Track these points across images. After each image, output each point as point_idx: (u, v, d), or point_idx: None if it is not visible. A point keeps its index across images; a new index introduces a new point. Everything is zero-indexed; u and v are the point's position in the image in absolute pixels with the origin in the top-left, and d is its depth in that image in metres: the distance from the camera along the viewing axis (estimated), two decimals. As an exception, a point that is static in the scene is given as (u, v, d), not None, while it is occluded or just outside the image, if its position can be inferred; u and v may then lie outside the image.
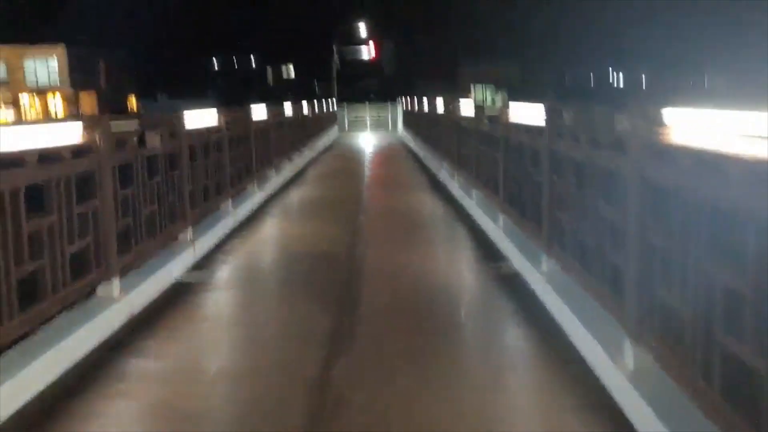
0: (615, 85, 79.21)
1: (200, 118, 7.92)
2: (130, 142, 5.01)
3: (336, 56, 40.13)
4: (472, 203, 8.55)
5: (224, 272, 6.35)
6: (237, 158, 9.23)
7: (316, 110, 21.38)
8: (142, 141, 5.15)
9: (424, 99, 18.29)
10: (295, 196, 11.29)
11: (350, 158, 17.98)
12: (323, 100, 34.39)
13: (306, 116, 18.26)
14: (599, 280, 3.88)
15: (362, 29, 43.34)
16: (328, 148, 21.15)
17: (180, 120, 6.43)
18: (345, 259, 6.71)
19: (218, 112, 8.34)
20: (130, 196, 5.07)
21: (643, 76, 78.84)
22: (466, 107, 10.03)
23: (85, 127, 4.51)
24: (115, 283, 4.66)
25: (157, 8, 73.32)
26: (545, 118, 5.10)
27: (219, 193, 8.06)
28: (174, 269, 5.81)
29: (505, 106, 6.83)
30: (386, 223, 8.61)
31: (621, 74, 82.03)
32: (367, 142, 24.52)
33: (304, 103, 18.77)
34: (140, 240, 5.21)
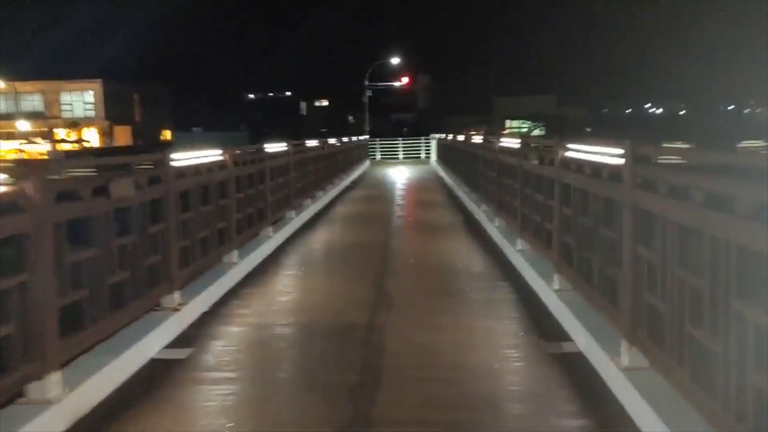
0: (651, 115, 77.72)
1: (209, 155, 6.90)
2: (82, 191, 3.88)
3: (367, 90, 39.25)
4: (519, 256, 7.30)
5: (214, 354, 4.89)
6: (247, 200, 8.13)
7: (342, 145, 20.31)
8: (102, 190, 4.03)
9: (461, 133, 17.14)
10: (317, 240, 10.17)
11: (379, 198, 16.83)
12: (358, 132, 33.76)
13: (330, 152, 17.23)
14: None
15: (396, 62, 42.45)
16: (359, 181, 20.13)
17: (165, 161, 5.32)
18: (364, 336, 5.22)
19: (224, 150, 7.26)
20: (84, 261, 3.95)
21: (683, 107, 77.26)
22: (508, 139, 8.84)
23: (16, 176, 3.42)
24: (54, 380, 3.52)
25: (194, 44, 74.09)
26: (625, 162, 3.86)
27: (221, 242, 6.94)
28: (150, 345, 4.66)
29: (560, 142, 5.61)
30: (416, 282, 7.30)
31: (660, 107, 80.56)
32: (399, 174, 23.43)
33: (331, 140, 17.75)
34: (98, 317, 4.08)
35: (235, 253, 7.22)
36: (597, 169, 4.66)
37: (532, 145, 7.14)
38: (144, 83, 65.35)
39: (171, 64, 77.54)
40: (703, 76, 65.06)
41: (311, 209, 12.37)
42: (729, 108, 74.56)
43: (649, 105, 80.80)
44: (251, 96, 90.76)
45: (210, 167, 6.74)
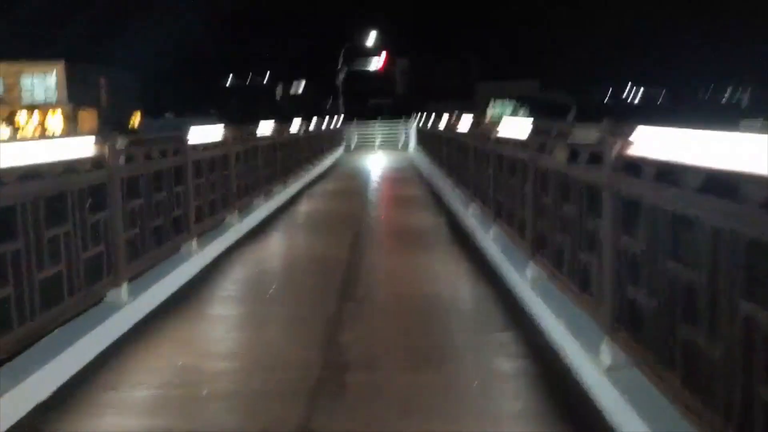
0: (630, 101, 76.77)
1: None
2: None
3: (342, 66, 36.92)
4: (525, 286, 5.23)
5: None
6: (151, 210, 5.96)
7: (311, 128, 18.05)
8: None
9: (444, 116, 15.00)
10: (261, 256, 8.01)
11: (350, 193, 14.66)
12: (332, 116, 31.49)
13: (296, 137, 14.99)
14: None
15: (372, 44, 40.12)
16: (327, 173, 17.93)
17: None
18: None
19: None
20: None
21: (663, 91, 76.23)
22: (510, 127, 6.70)
23: None
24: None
25: (165, 27, 71.28)
26: None
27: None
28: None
29: (611, 130, 3.46)
30: (383, 335, 5.23)
31: (641, 90, 79.49)
32: (375, 165, 21.23)
33: (296, 120, 15.51)
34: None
35: (124, 287, 5.04)
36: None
37: (554, 133, 5.05)
38: (111, 66, 62.66)
39: (141, 48, 74.28)
40: (682, 63, 64.14)
41: (263, 210, 10.19)
42: (706, 97, 74.08)
43: (626, 93, 79.92)
44: (227, 82, 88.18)
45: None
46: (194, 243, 6.85)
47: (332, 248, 7.84)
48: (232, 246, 7.85)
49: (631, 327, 3.34)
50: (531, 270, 5.35)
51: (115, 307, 4.82)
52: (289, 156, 13.80)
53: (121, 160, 5.31)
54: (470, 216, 8.89)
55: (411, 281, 6.17)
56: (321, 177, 17.29)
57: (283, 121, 16.99)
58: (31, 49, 56.95)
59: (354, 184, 15.79)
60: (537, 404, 3.55)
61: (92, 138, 4.84)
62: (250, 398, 3.71)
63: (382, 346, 4.45)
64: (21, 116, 55.71)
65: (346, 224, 9.47)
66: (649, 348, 3.12)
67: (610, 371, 3.47)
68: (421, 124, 23.17)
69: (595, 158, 3.90)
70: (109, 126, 59.07)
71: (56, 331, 4.09)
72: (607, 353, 3.47)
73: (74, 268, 4.32)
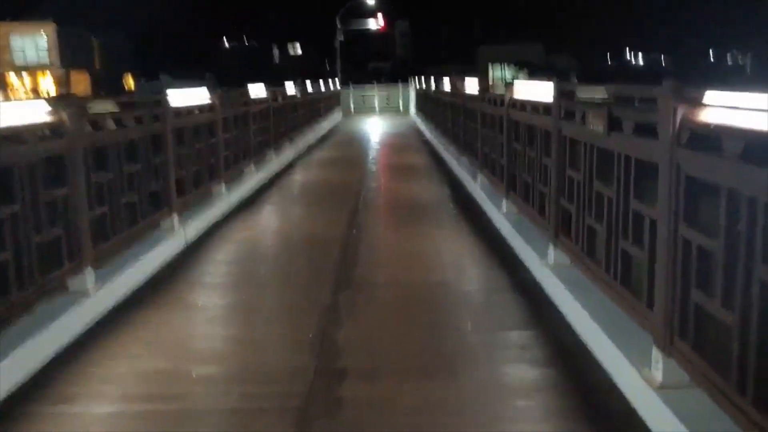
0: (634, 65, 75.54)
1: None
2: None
3: (339, 28, 35.82)
4: (546, 272, 4.57)
5: None
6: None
7: (308, 92, 17.23)
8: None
9: (445, 79, 14.21)
10: (246, 234, 7.34)
11: (347, 161, 13.94)
12: (331, 80, 30.55)
13: (291, 102, 14.19)
14: None
15: (372, 2, 38.92)
16: (324, 139, 17.17)
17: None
18: None
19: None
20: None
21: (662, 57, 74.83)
22: (527, 89, 5.96)
23: None
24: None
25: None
26: None
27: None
28: None
29: (674, 92, 2.76)
30: (384, 334, 4.61)
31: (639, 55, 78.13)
32: (374, 130, 20.44)
33: (290, 84, 14.70)
34: None
35: (89, 274, 4.36)
36: None
37: (597, 99, 4.32)
38: (103, 28, 61.28)
39: (135, 10, 72.46)
40: (684, 27, 62.95)
41: (254, 180, 9.50)
42: (711, 60, 72.69)
43: (630, 56, 78.44)
44: (225, 44, 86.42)
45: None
46: (175, 219, 6.18)
47: (328, 226, 7.15)
48: (218, 222, 7.19)
49: (695, 339, 2.69)
50: (553, 254, 4.69)
51: (79, 298, 4.17)
52: (284, 121, 13.05)
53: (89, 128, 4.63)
54: (478, 188, 8.22)
55: (414, 265, 5.50)
56: (318, 143, 16.55)
57: (282, 85, 16.22)
58: (21, 11, 55.47)
59: (352, 150, 15.05)
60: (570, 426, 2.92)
61: (43, 102, 4.12)
62: (228, 417, 3.07)
63: (381, 349, 3.80)
64: (12, 78, 54.60)
65: (343, 197, 8.77)
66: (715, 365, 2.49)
67: (663, 390, 2.84)
68: (421, 88, 22.33)
69: (643, 129, 3.22)
70: (103, 89, 58.16)
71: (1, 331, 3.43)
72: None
73: (26, 254, 3.65)
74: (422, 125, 19.65)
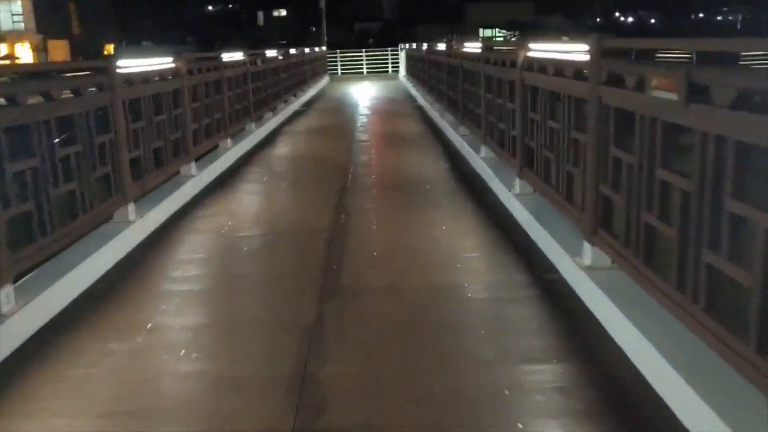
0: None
1: None
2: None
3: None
4: (581, 276, 3.63)
5: None
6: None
7: (286, 58, 16.07)
8: None
9: (438, 42, 13.13)
10: (234, 208, 6.34)
11: (334, 129, 12.91)
12: (317, 43, 29.24)
13: (273, 66, 13.05)
14: None
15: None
16: (310, 106, 16.06)
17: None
18: None
19: None
20: None
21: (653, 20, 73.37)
22: (549, 49, 4.96)
23: None
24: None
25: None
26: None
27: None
28: None
29: None
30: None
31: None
32: (363, 95, 19.31)
33: (272, 51, 13.55)
34: None
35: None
36: None
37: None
38: (82, -10, 59.35)
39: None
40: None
41: (229, 155, 8.47)
42: (700, 15, 71.27)
43: (618, 14, 76.83)
44: (209, 7, 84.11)
45: None
46: (130, 209, 5.19)
47: (311, 211, 6.16)
48: (184, 207, 6.20)
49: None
50: (590, 252, 3.75)
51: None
52: (265, 88, 11.96)
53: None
54: (482, 161, 7.24)
55: (413, 264, 4.53)
56: (303, 110, 15.46)
57: (268, 47, 15.11)
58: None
59: (340, 118, 13.97)
60: None
61: None
62: None
63: (375, 389, 2.87)
64: (-12, 45, 52.79)
65: (330, 175, 7.76)
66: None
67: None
68: (411, 49, 21.15)
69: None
70: (83, 55, 56.44)
71: None
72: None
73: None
74: (413, 89, 18.55)
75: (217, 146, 8.54)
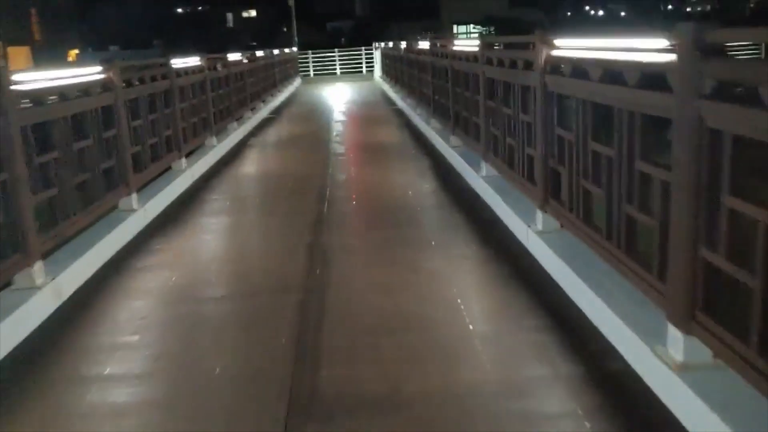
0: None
1: None
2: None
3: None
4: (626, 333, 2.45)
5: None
6: None
7: (260, 58, 14.75)
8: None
9: (422, 42, 11.95)
10: (184, 251, 5.05)
11: (307, 138, 11.66)
12: (288, 44, 27.86)
13: (238, 71, 11.72)
14: None
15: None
16: (280, 112, 14.76)
17: None
18: None
19: None
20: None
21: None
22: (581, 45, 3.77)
23: None
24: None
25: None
26: None
27: None
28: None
29: None
30: None
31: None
32: (338, 99, 18.04)
33: (236, 54, 12.23)
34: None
35: None
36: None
37: None
38: (44, -4, 57.34)
39: (77, -26, 67.72)
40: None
41: (182, 179, 7.18)
42: (669, 8, 70.95)
43: (588, 7, 76.21)
44: (178, 10, 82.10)
45: None
46: (36, 269, 3.90)
47: (280, 255, 4.90)
48: (119, 256, 4.91)
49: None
50: (682, 343, 2.56)
51: None
52: (228, 95, 10.66)
53: None
54: (483, 181, 6.04)
55: (421, 350, 3.30)
56: (273, 117, 14.16)
57: (239, 50, 13.87)
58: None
59: (313, 125, 12.69)
60: None
61: None
62: None
63: None
64: (-56, 54, 50.64)
65: (303, 200, 6.51)
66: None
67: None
68: (387, 48, 19.91)
69: None
70: (46, 61, 54.53)
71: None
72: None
73: None
74: (391, 91, 17.31)
75: (169, 168, 7.26)
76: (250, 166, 8.90)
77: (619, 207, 3.19)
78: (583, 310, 3.44)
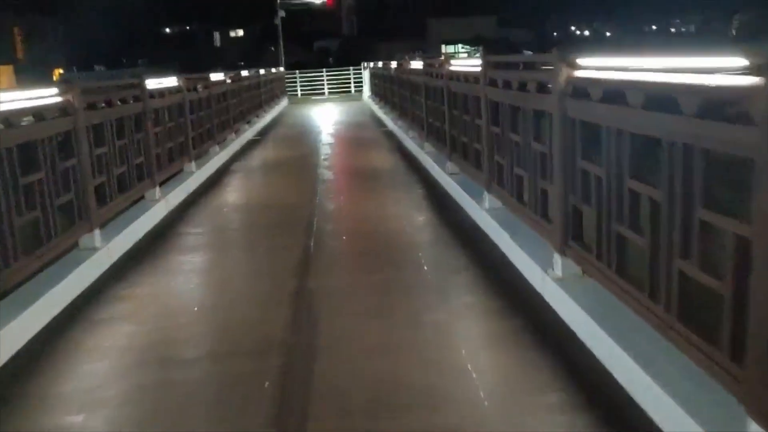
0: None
1: None
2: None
3: (279, 9, 32.57)
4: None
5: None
6: None
7: (244, 78, 14.19)
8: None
9: (414, 62, 11.47)
10: (154, 301, 4.41)
11: (295, 167, 11.10)
12: (274, 63, 27.34)
13: (221, 92, 11.15)
14: None
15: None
16: (264, 135, 14.19)
17: None
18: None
19: None
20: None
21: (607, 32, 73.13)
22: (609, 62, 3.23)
23: None
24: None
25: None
26: None
27: None
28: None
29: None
30: None
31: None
32: (326, 121, 17.50)
33: (217, 74, 11.67)
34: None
35: None
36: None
37: None
38: (27, 14, 56.77)
39: (62, -7, 66.95)
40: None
41: (155, 212, 6.56)
42: (653, 27, 71.27)
43: (574, 27, 76.52)
44: (167, 29, 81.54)
45: None
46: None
47: (264, 299, 4.30)
48: (74, 306, 4.27)
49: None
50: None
51: None
52: (209, 118, 10.07)
53: None
54: (486, 214, 5.46)
55: (403, 385, 2.73)
56: (258, 139, 13.58)
57: (227, 69, 13.38)
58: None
59: (300, 149, 12.11)
60: None
61: None
62: None
63: None
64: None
65: (287, 237, 5.90)
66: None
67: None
68: (377, 68, 19.44)
69: None
70: (29, 81, 53.85)
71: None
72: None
73: None
74: (380, 112, 16.80)
75: (142, 197, 6.64)
76: (231, 193, 8.29)
77: (669, 261, 2.61)
78: (622, 384, 2.85)
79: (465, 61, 6.68)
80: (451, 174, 7.24)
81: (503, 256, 4.80)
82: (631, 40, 62.16)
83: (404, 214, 6.48)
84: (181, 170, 8.33)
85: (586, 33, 77.38)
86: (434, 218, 6.23)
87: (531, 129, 4.38)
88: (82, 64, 61.98)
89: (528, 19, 63.22)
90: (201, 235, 6.23)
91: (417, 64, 9.96)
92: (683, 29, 71.08)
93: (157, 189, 6.86)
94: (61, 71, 59.75)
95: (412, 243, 5.47)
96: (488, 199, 5.59)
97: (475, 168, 6.08)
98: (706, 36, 58.52)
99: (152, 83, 7.09)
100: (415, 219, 6.29)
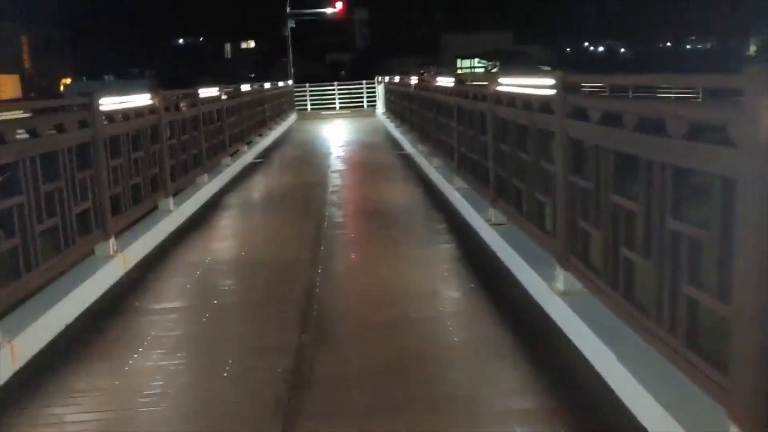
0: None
1: None
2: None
3: (289, 12, 31.12)
4: None
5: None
6: None
7: (249, 93, 12.59)
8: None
9: (440, 78, 9.83)
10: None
11: (301, 196, 9.46)
12: (284, 76, 25.92)
13: (220, 108, 9.53)
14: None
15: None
16: (268, 156, 12.59)
17: None
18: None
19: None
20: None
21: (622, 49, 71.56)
22: None
23: None
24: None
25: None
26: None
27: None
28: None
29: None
30: None
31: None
32: (337, 139, 15.88)
33: (212, 89, 10.05)
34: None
35: None
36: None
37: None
38: (35, 24, 56.02)
39: (73, 3, 65.76)
40: (639, 13, 60.48)
41: (145, 241, 4.93)
42: (668, 44, 69.72)
43: (587, 44, 74.95)
44: (178, 41, 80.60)
45: None
46: None
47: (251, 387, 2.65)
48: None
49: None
50: None
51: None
52: (196, 142, 8.46)
53: None
54: (560, 300, 3.77)
55: None
56: (259, 162, 11.99)
57: (236, 81, 11.96)
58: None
59: (305, 177, 10.48)
60: None
61: None
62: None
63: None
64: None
65: (280, 318, 4.23)
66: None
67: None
68: (393, 83, 17.84)
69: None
70: (36, 91, 52.96)
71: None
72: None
73: None
74: (396, 131, 15.18)
75: (92, 253, 5.02)
76: (213, 243, 6.61)
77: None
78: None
79: (521, 80, 5.01)
80: (494, 225, 5.57)
81: (549, 320, 3.11)
82: (640, 57, 60.58)
83: (436, 287, 4.75)
84: (156, 208, 6.72)
85: (601, 49, 75.92)
86: (481, 297, 4.51)
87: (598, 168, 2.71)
88: (92, 74, 61.02)
89: (542, 35, 61.67)
90: (179, 292, 4.55)
91: (445, 81, 8.31)
92: (699, 46, 69.57)
93: (112, 241, 5.20)
94: (70, 80, 58.72)
95: (451, 342, 3.78)
96: (562, 276, 3.89)
97: (538, 227, 4.40)
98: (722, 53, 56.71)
99: (109, 104, 5.45)
100: (450, 293, 4.59)
